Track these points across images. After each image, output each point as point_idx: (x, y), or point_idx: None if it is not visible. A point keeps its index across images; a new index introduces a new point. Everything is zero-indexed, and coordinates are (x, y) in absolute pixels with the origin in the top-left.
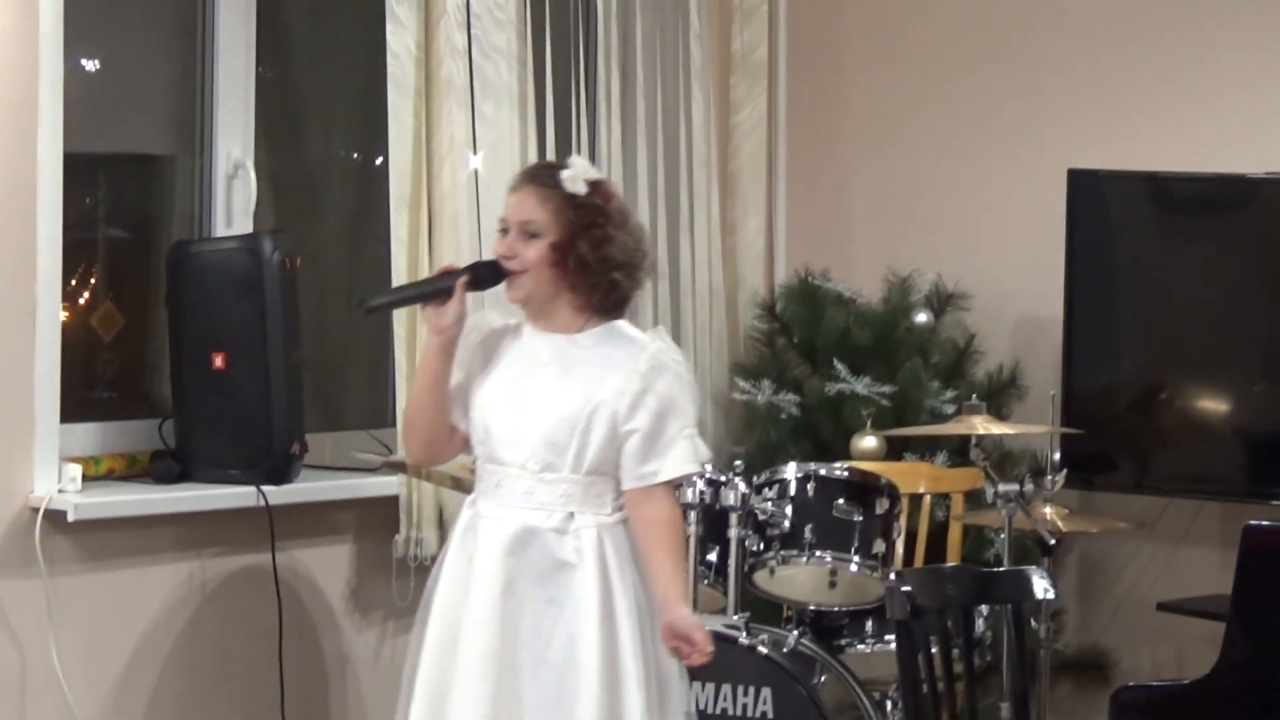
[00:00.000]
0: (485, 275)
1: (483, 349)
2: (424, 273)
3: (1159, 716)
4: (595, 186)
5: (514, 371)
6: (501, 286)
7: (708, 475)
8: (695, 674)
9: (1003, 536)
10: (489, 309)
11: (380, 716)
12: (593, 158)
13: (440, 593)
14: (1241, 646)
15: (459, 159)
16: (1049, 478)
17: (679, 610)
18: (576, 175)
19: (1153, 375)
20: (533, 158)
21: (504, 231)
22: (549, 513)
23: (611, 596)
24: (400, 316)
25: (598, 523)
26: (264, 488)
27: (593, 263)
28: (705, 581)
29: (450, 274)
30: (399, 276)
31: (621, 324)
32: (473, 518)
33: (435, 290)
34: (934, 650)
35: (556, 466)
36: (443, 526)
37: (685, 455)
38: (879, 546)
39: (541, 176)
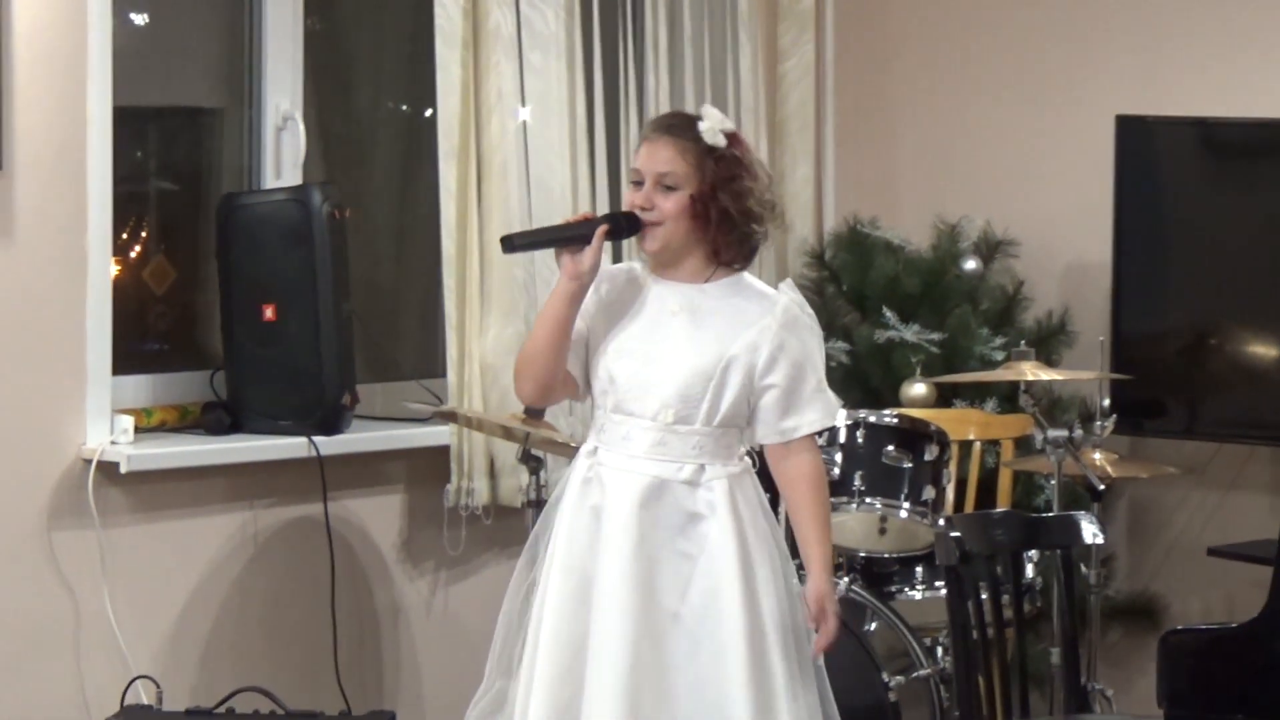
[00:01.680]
0: (624, 225)
1: (603, 295)
2: (473, 224)
3: (1207, 659)
4: (731, 138)
5: (642, 321)
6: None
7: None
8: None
9: (1052, 482)
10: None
11: (433, 665)
12: (640, 108)
13: (562, 544)
14: None
15: (507, 110)
16: (1098, 423)
17: (814, 581)
18: (714, 127)
19: (1202, 320)
20: (580, 108)
21: (637, 182)
22: (680, 465)
23: (748, 547)
24: (450, 266)
25: (728, 473)
26: (315, 438)
27: (735, 215)
28: None
29: (589, 221)
30: (448, 228)
31: (748, 275)
32: (594, 467)
33: (575, 235)
34: (984, 596)
35: (690, 419)
36: (494, 476)
37: (823, 409)
38: (928, 493)
39: (679, 128)
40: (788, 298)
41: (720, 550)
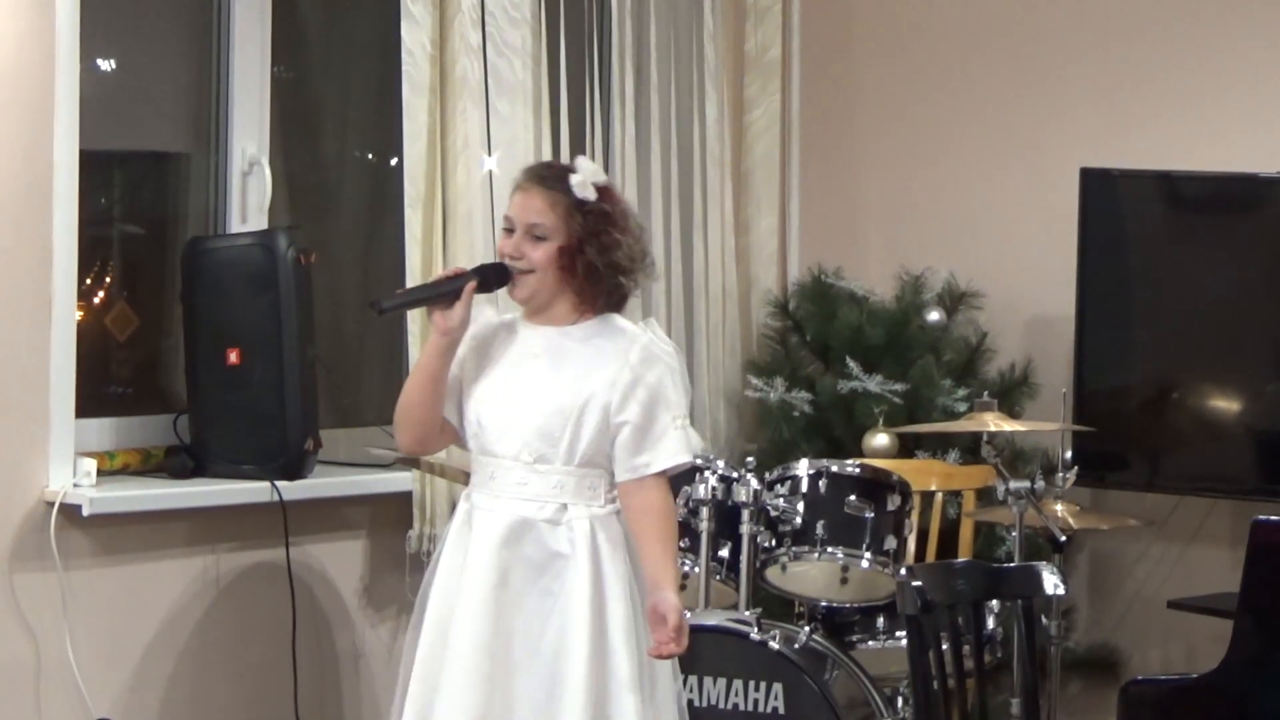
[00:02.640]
0: (492, 277)
1: (476, 343)
2: (438, 271)
3: (1168, 710)
4: (602, 191)
5: (505, 364)
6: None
7: (704, 464)
8: (707, 669)
9: (1014, 534)
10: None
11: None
12: (606, 156)
13: (436, 586)
14: (1250, 640)
15: (473, 157)
16: (1060, 475)
17: (663, 593)
18: (585, 180)
19: (1164, 374)
20: (547, 155)
21: (509, 230)
22: (542, 504)
23: (603, 587)
24: (415, 314)
25: (590, 514)
26: (278, 483)
27: (600, 268)
28: (717, 577)
29: (459, 276)
30: (413, 275)
31: (615, 316)
32: (468, 510)
33: (444, 292)
34: (945, 646)
35: (549, 458)
36: None
37: (677, 445)
38: (890, 543)
39: (550, 179)
40: (647, 336)
41: (575, 590)
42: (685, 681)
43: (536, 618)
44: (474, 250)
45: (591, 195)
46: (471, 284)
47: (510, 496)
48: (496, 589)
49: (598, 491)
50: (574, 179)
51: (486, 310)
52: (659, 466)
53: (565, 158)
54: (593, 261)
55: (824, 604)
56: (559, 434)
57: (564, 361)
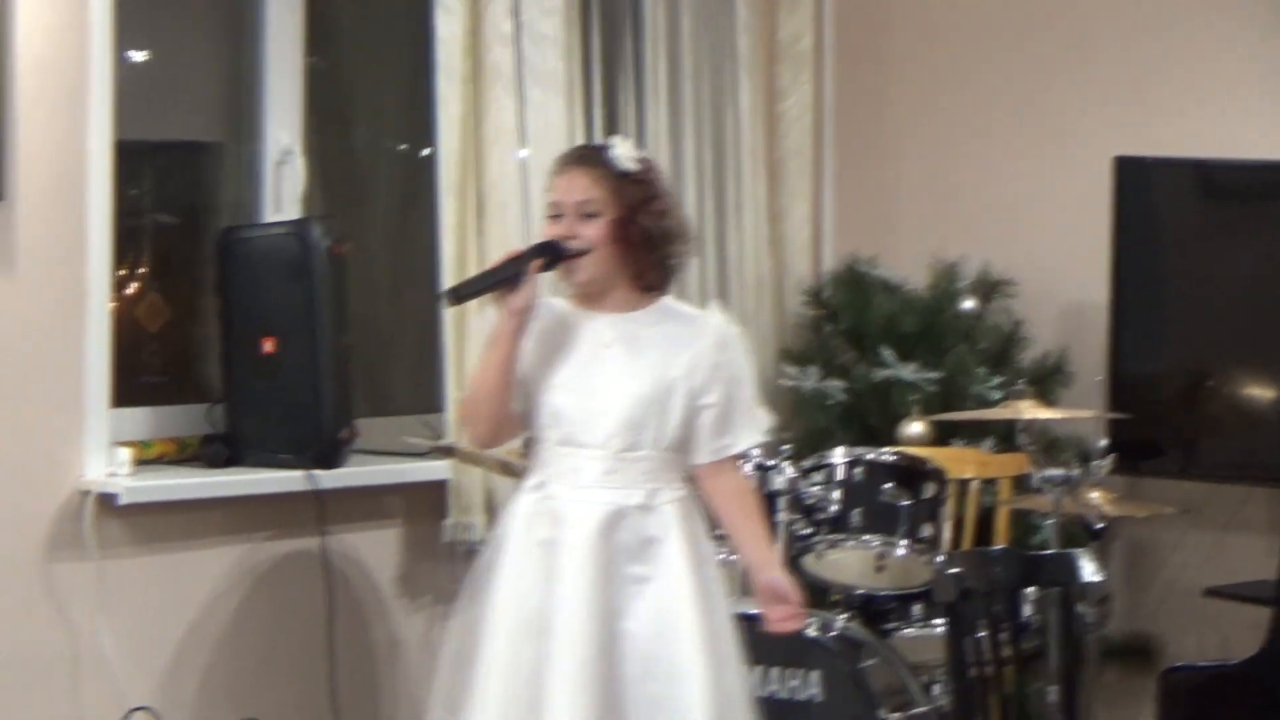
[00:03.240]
0: (551, 256)
1: (546, 333)
2: (472, 260)
3: (1206, 697)
4: (642, 163)
5: (579, 355)
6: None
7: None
8: (745, 656)
9: (1049, 521)
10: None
11: (429, 699)
12: (640, 145)
13: (509, 578)
14: None
15: (507, 146)
16: (1095, 463)
17: (775, 573)
18: (626, 153)
19: (1199, 361)
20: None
21: (556, 215)
22: (632, 491)
23: (701, 567)
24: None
25: (677, 497)
26: (313, 472)
27: (656, 235)
28: None
29: (520, 257)
30: (447, 264)
31: (673, 300)
32: (542, 501)
33: (510, 275)
34: (981, 634)
35: (638, 445)
36: (491, 512)
37: (755, 425)
38: (926, 530)
39: (591, 157)
40: (718, 319)
41: (676, 570)
42: None
43: (627, 601)
44: (508, 240)
45: (634, 166)
46: (537, 263)
47: (599, 486)
48: (597, 580)
49: (677, 474)
50: (614, 153)
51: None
52: (740, 447)
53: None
54: (648, 228)
55: (860, 592)
56: (646, 421)
57: (640, 348)
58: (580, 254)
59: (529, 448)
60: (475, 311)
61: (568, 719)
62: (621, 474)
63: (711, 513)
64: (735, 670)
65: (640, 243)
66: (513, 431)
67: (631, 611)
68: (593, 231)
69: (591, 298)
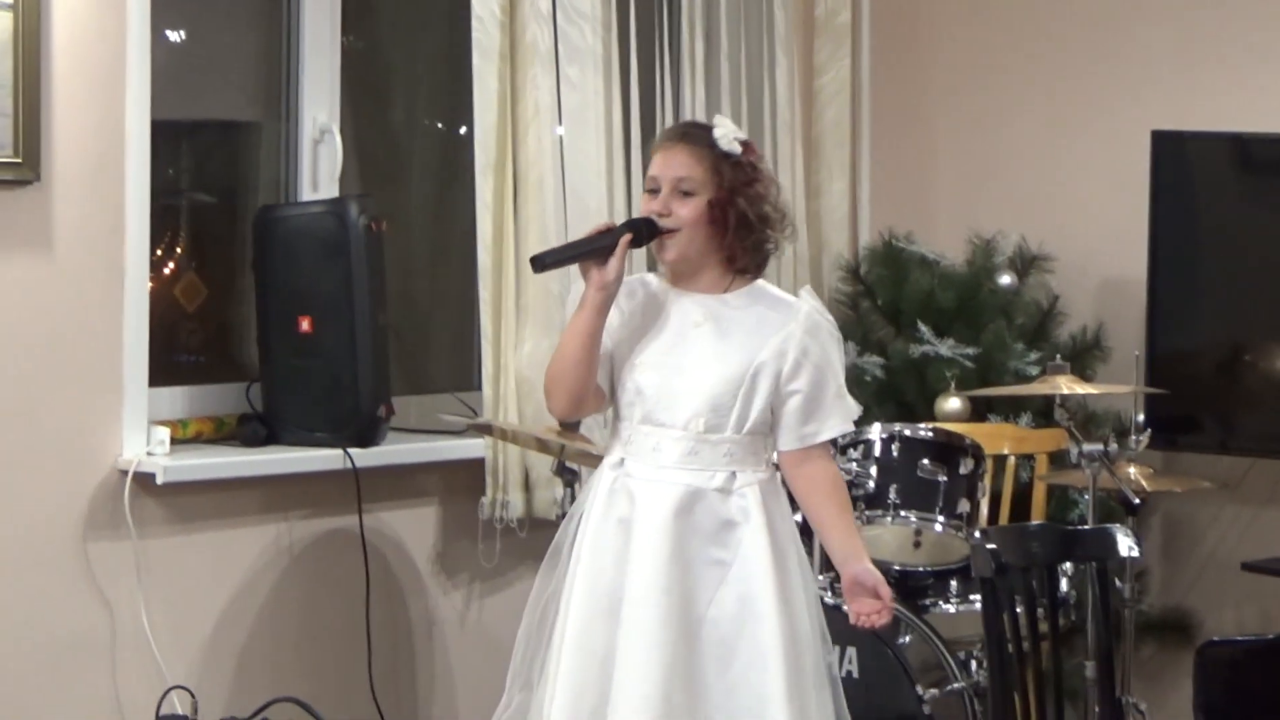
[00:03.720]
0: (644, 231)
1: (624, 309)
2: (509, 237)
3: (1244, 671)
4: (745, 146)
5: (667, 333)
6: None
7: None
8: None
9: (1087, 497)
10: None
11: (467, 678)
12: (676, 122)
13: (587, 555)
14: None
15: (544, 124)
16: (1133, 438)
17: (864, 564)
18: (729, 134)
19: (1237, 336)
20: (617, 122)
21: (653, 190)
22: (713, 473)
23: (782, 552)
24: (486, 279)
25: (759, 479)
26: (350, 450)
27: (753, 219)
28: None
29: (611, 231)
30: (484, 242)
31: (765, 283)
32: (621, 478)
33: (599, 247)
34: (1019, 610)
35: (720, 427)
36: (528, 489)
37: (843, 414)
38: (963, 506)
39: (694, 135)
40: (810, 305)
41: (755, 556)
42: None
43: (709, 587)
44: (545, 218)
45: (736, 149)
46: (626, 237)
47: (678, 466)
48: (670, 562)
49: (760, 457)
50: (717, 132)
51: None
52: (826, 435)
53: (635, 124)
54: (745, 212)
55: (897, 567)
56: (730, 403)
57: (729, 330)
58: (672, 231)
59: (565, 427)
60: (511, 293)
61: (634, 702)
62: (702, 455)
63: (797, 499)
64: (815, 656)
65: (735, 225)
66: (595, 405)
67: (709, 595)
68: (687, 210)
69: (683, 276)
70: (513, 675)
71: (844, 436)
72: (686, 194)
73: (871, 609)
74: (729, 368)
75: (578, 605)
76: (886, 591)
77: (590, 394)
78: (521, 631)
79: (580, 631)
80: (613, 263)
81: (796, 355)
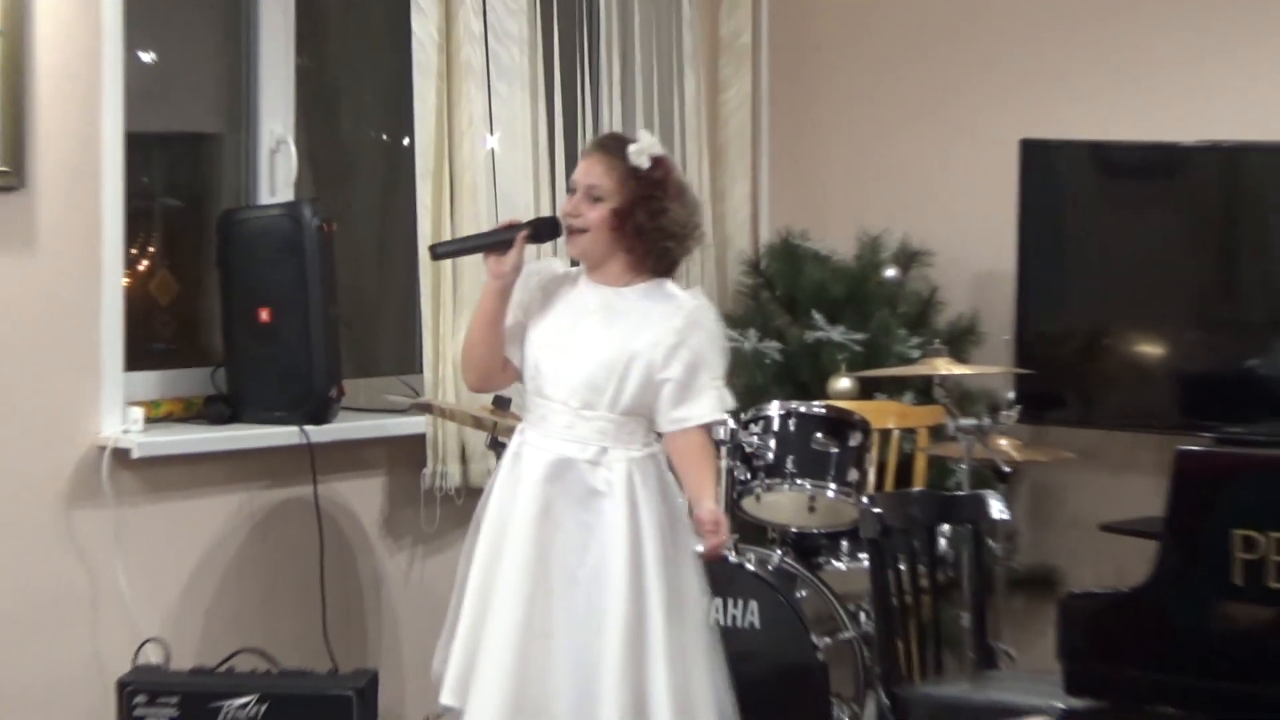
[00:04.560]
0: (545, 231)
1: (542, 293)
2: (445, 237)
3: (1101, 620)
4: (658, 162)
5: (566, 317)
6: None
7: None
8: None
9: (963, 466)
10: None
11: (410, 628)
12: (595, 133)
13: (491, 510)
14: (1172, 558)
15: (477, 135)
16: (1004, 413)
17: (706, 504)
18: (642, 150)
19: (1096, 323)
20: (543, 133)
21: (571, 191)
22: (584, 445)
23: (639, 523)
24: (426, 274)
25: (628, 457)
26: (306, 427)
27: (648, 230)
28: None
29: (513, 227)
30: (424, 241)
31: (667, 282)
32: (520, 444)
33: (498, 241)
34: (902, 567)
35: (594, 405)
36: (465, 461)
37: (713, 403)
38: (853, 475)
39: (610, 146)
40: (694, 303)
41: (613, 525)
42: None
43: (574, 549)
44: (479, 218)
45: (645, 164)
46: (524, 233)
47: (558, 437)
48: (539, 519)
49: (635, 437)
50: (631, 148)
51: (554, 263)
52: (696, 421)
53: (559, 135)
54: (641, 224)
55: (794, 529)
56: (604, 385)
57: (615, 320)
58: (581, 231)
59: (498, 405)
60: (449, 286)
61: (497, 646)
62: (578, 429)
63: (674, 470)
64: (666, 619)
65: (632, 234)
66: (505, 380)
67: (577, 554)
68: (594, 215)
69: (591, 269)
70: (450, 614)
71: (746, 412)
72: (596, 199)
73: (712, 542)
74: (607, 353)
75: (479, 553)
76: (723, 522)
77: (497, 369)
78: (457, 581)
79: (478, 574)
80: (510, 255)
81: (670, 346)
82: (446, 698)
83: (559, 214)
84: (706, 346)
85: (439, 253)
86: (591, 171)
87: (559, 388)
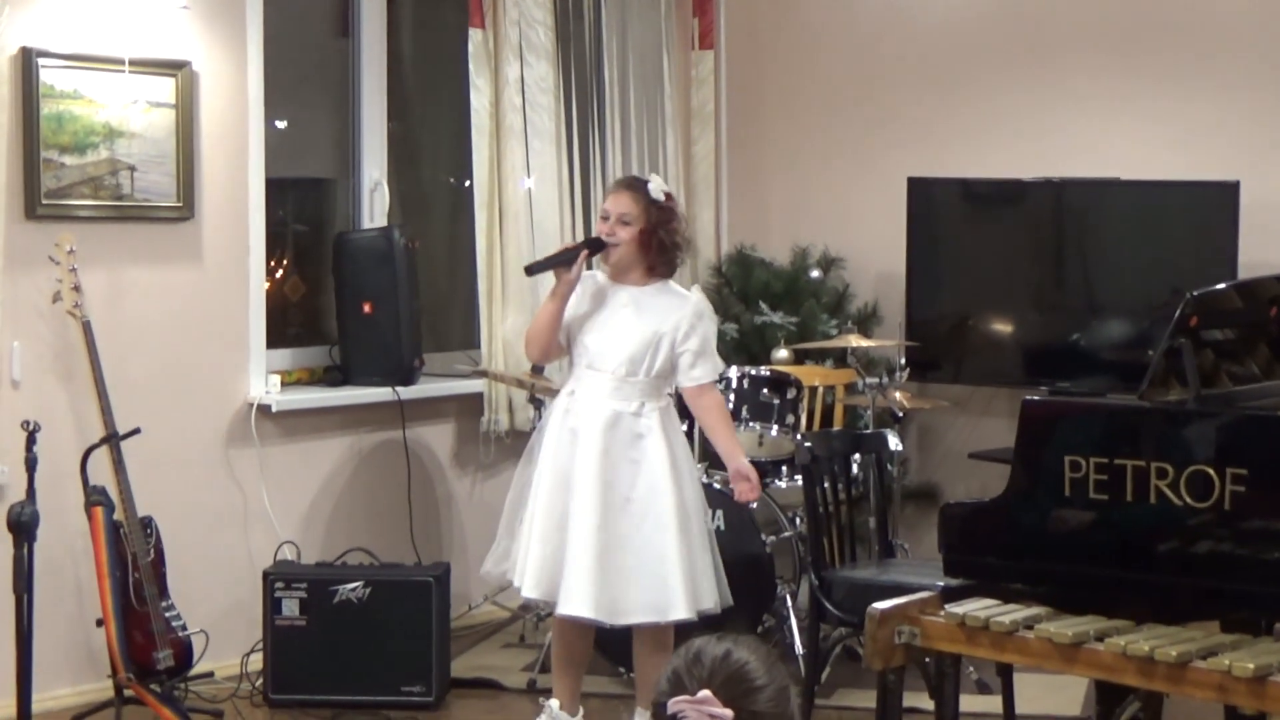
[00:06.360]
0: (595, 248)
1: (587, 294)
2: (497, 253)
3: (970, 522)
4: (667, 196)
5: (605, 310)
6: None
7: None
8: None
9: (869, 412)
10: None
11: (474, 533)
12: (603, 176)
13: (549, 452)
14: (1019, 478)
15: (518, 178)
16: (898, 374)
17: (740, 460)
18: (658, 187)
19: (963, 309)
20: (565, 176)
21: (605, 218)
22: (629, 401)
23: (675, 455)
24: (483, 278)
25: (658, 407)
26: (397, 388)
27: (667, 245)
28: None
29: (575, 248)
30: (480, 254)
31: (671, 282)
32: (571, 402)
33: (568, 259)
34: (826, 485)
35: (635, 373)
36: (511, 411)
37: (714, 366)
38: (790, 419)
39: (634, 185)
40: (697, 298)
41: (656, 457)
42: None
43: (626, 479)
44: (520, 240)
45: (661, 197)
46: (585, 252)
47: (608, 396)
48: (601, 457)
49: (660, 393)
50: (651, 185)
51: (596, 273)
52: (708, 378)
53: (578, 180)
54: (663, 240)
55: (748, 459)
56: (641, 357)
57: (644, 310)
58: (614, 247)
59: (535, 372)
60: (499, 286)
61: (583, 548)
62: (623, 391)
63: (699, 422)
64: (700, 521)
65: (656, 248)
66: (558, 356)
67: (629, 483)
68: (626, 234)
69: (618, 275)
70: (502, 529)
71: (718, 379)
72: (626, 223)
73: (747, 489)
74: (643, 334)
75: (544, 484)
76: (755, 477)
77: (554, 348)
78: (508, 501)
79: (546, 500)
80: (575, 267)
81: (686, 328)
82: (531, 591)
83: (598, 235)
84: (709, 327)
85: (532, 270)
86: (621, 202)
87: (607, 360)
